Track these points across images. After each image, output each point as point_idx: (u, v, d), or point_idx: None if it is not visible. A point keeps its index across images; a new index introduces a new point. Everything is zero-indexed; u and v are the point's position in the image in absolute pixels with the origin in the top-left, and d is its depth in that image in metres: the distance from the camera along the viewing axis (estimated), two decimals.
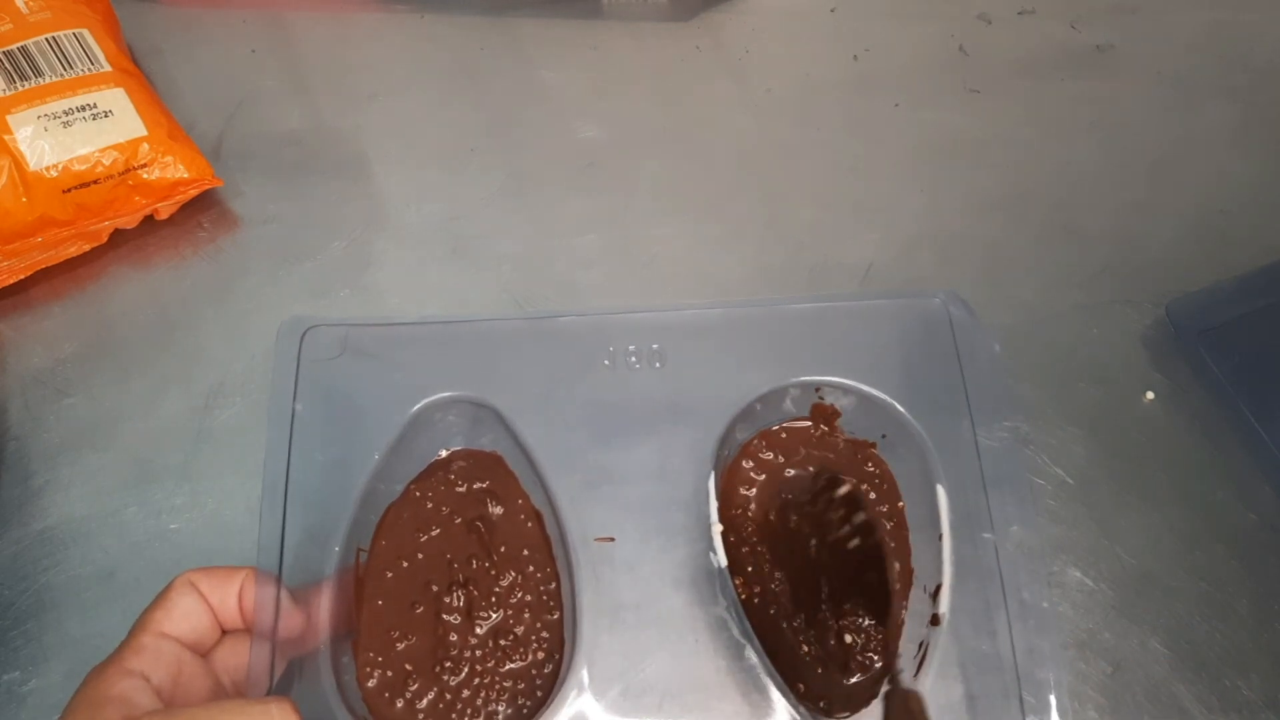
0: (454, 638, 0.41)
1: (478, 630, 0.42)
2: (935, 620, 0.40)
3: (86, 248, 0.52)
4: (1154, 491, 0.46)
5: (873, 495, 0.44)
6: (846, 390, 0.45)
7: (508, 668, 0.41)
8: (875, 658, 0.41)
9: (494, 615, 0.42)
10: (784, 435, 0.46)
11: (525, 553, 0.43)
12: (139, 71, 0.55)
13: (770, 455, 0.46)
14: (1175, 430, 0.48)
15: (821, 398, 0.46)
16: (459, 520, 0.44)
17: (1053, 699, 0.39)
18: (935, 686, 0.39)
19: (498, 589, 0.42)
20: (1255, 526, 0.45)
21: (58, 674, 0.42)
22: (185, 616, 0.36)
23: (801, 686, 0.40)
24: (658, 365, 0.46)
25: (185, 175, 0.52)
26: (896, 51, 0.62)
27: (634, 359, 0.46)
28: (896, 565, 0.43)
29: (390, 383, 0.45)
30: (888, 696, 0.39)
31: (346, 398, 0.45)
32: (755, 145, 0.58)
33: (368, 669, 0.41)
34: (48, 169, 0.50)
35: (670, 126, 0.59)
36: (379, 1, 0.63)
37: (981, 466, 0.43)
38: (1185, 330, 0.50)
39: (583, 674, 0.40)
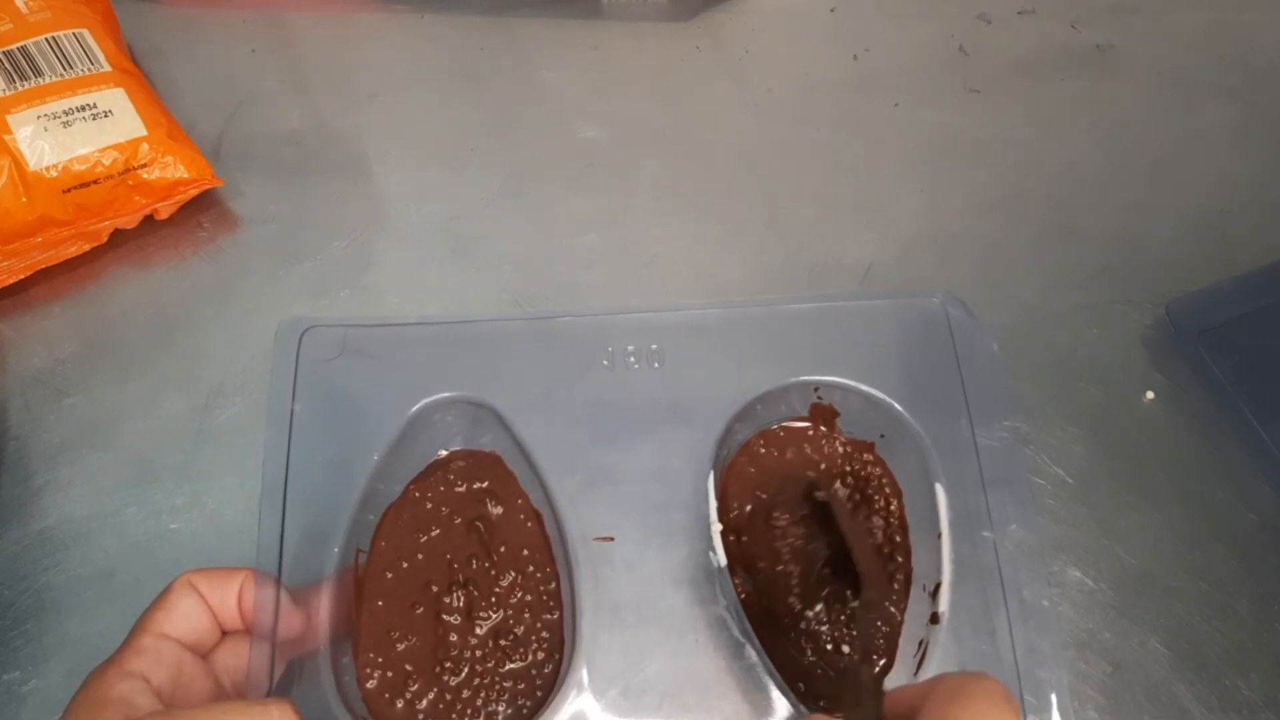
0: (454, 638, 0.41)
1: (478, 630, 0.42)
2: (935, 619, 0.40)
3: (86, 248, 0.52)
4: (1154, 491, 0.46)
5: (873, 495, 0.44)
6: (846, 390, 0.45)
7: (508, 668, 0.41)
8: (877, 657, 0.41)
9: (494, 615, 0.42)
10: (783, 435, 0.46)
11: (525, 553, 0.43)
12: (139, 71, 0.55)
13: (770, 455, 0.46)
14: (1175, 430, 0.48)
15: (820, 397, 0.46)
16: (459, 520, 0.44)
17: (1053, 698, 0.39)
18: None
19: (497, 589, 0.42)
20: (1255, 526, 0.45)
21: (58, 674, 0.42)
22: (185, 617, 0.36)
23: (801, 686, 0.40)
24: (657, 365, 0.46)
25: (185, 175, 0.52)
26: (896, 51, 0.62)
27: (633, 359, 0.46)
28: (883, 547, 0.43)
29: (389, 383, 0.45)
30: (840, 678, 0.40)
31: (346, 398, 0.45)
32: (755, 145, 0.58)
33: (368, 669, 0.41)
34: (48, 169, 0.50)
35: (670, 126, 0.59)
36: (379, 1, 0.63)
37: (981, 466, 0.43)
38: (1185, 330, 0.50)
39: (582, 674, 0.40)
